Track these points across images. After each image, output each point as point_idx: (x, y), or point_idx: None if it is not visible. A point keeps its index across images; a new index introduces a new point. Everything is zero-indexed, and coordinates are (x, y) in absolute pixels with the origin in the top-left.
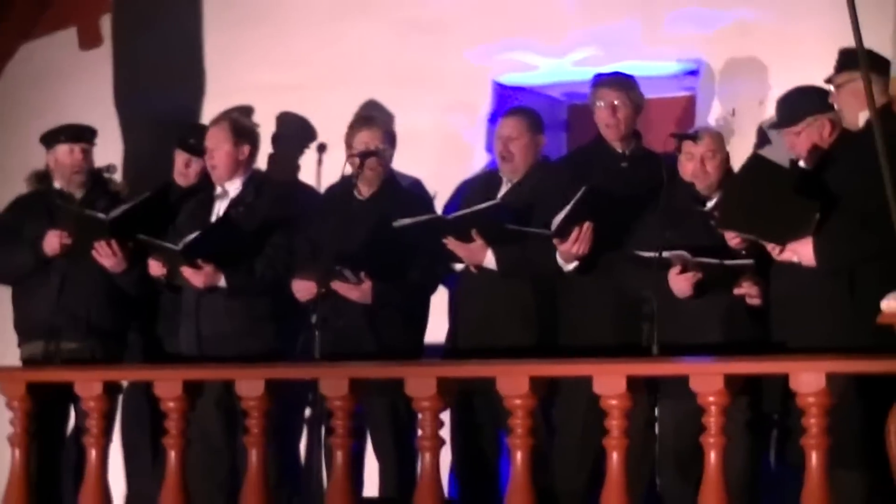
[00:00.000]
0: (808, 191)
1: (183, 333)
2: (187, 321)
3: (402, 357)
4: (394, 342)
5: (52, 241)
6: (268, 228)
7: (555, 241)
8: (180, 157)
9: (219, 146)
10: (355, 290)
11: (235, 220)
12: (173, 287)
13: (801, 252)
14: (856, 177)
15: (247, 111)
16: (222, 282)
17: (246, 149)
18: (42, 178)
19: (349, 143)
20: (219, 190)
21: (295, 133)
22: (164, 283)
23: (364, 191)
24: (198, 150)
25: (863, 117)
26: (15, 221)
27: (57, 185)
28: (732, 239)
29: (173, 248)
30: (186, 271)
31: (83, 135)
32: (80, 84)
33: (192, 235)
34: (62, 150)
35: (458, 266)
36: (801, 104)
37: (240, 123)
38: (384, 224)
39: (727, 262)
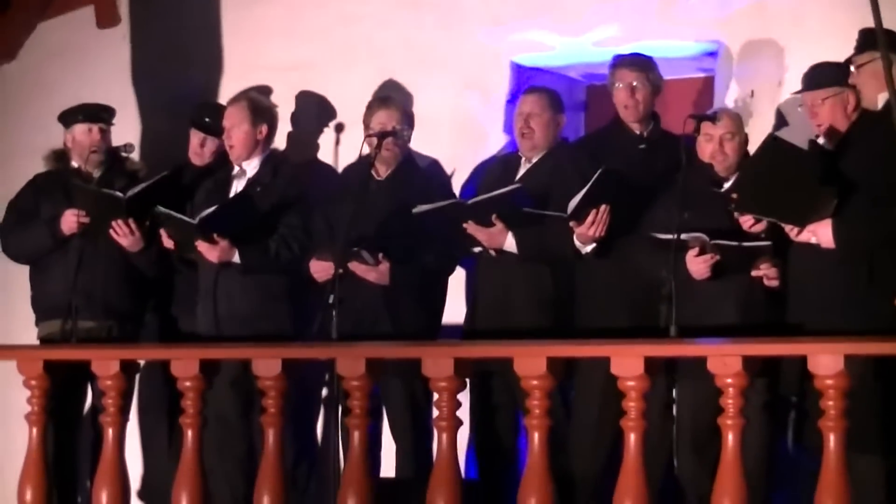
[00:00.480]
0: (827, 171)
1: (201, 313)
2: (205, 301)
3: (418, 338)
4: (410, 323)
5: (70, 221)
6: (284, 208)
7: (571, 223)
8: (195, 137)
9: (237, 126)
10: (373, 272)
11: (253, 199)
12: (189, 262)
13: (820, 233)
14: (875, 158)
15: (265, 91)
16: (236, 258)
17: (264, 128)
18: (60, 157)
19: (367, 124)
20: (236, 170)
21: (313, 112)
22: (177, 256)
23: (381, 171)
24: (213, 130)
25: (881, 98)
26: (33, 200)
27: (74, 164)
28: (746, 222)
29: (190, 222)
30: (201, 245)
31: (101, 114)
32: (97, 63)
33: (209, 210)
34: (80, 129)
35: (476, 248)
36: (829, 73)
37: (258, 103)
38: (401, 205)
39: (745, 244)
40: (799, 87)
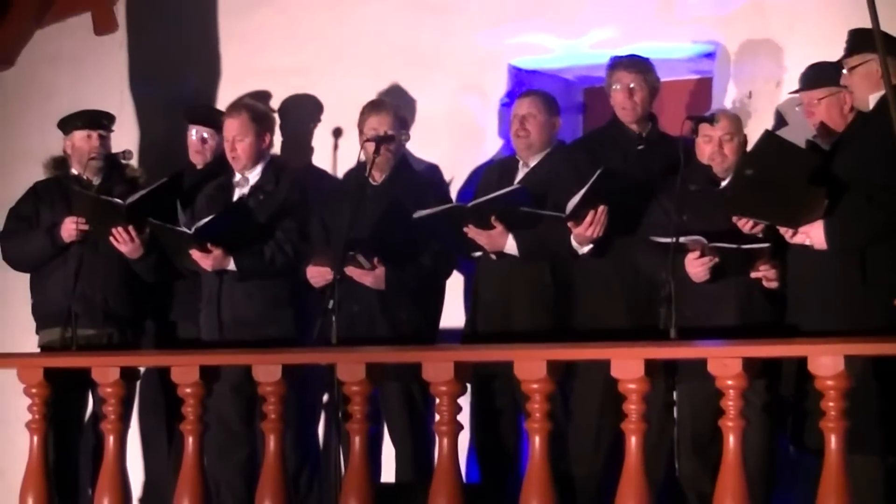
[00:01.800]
0: (822, 171)
1: (204, 320)
2: (209, 307)
3: (416, 341)
4: (408, 326)
5: (69, 228)
6: (283, 213)
7: (569, 224)
8: (196, 134)
9: (241, 138)
10: (369, 276)
11: (255, 207)
12: (192, 271)
13: (813, 235)
14: (869, 157)
15: (264, 96)
16: (231, 265)
17: (267, 137)
18: (59, 163)
19: (361, 129)
20: (238, 177)
21: (308, 116)
22: (181, 264)
23: (377, 176)
24: (213, 122)
25: (873, 99)
26: (33, 208)
27: (74, 170)
28: (744, 225)
29: (185, 232)
30: (195, 254)
31: (100, 121)
32: (95, 69)
33: (205, 220)
34: (79, 135)
35: (477, 253)
36: (827, 72)
37: (258, 111)
38: (396, 209)
39: (744, 246)
40: (797, 87)
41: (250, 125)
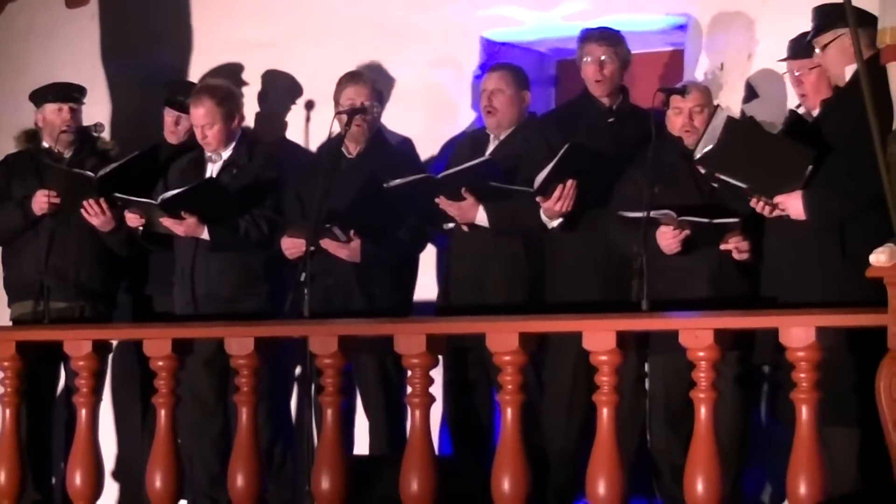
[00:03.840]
0: (805, 140)
1: (178, 294)
2: (182, 281)
3: (391, 314)
4: (383, 300)
5: (41, 201)
6: (257, 188)
7: (538, 198)
8: (169, 116)
9: (210, 125)
10: (344, 249)
11: (228, 182)
12: (157, 242)
13: (790, 205)
14: (845, 130)
15: (235, 69)
16: (205, 234)
17: (236, 117)
18: (31, 137)
19: (337, 101)
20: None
21: (282, 90)
22: (141, 235)
23: (352, 148)
24: (187, 108)
25: (849, 70)
26: (4, 181)
27: (46, 143)
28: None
29: (152, 203)
30: (167, 221)
31: (72, 94)
32: (66, 43)
33: (172, 192)
34: (50, 108)
35: (449, 225)
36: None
37: (223, 93)
38: (372, 181)
39: (715, 220)
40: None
41: (216, 110)
